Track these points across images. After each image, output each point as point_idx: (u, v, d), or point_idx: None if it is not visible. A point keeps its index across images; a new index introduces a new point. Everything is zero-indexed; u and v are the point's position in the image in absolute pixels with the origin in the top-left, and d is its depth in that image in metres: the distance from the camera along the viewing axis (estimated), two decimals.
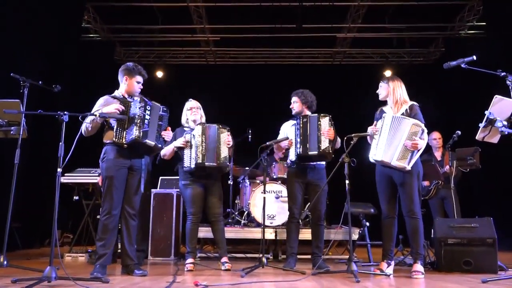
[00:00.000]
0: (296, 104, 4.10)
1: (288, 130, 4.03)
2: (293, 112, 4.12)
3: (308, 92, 4.16)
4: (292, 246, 3.95)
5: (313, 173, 3.96)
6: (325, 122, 3.85)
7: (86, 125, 3.28)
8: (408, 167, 3.41)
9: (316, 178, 3.96)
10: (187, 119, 4.07)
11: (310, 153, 3.79)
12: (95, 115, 3.18)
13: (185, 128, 4.03)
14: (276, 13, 7.48)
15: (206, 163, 3.73)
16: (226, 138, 3.90)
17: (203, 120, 4.11)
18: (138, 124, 3.21)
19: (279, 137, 4.13)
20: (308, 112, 4.08)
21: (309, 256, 4.12)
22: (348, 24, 7.79)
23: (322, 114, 3.88)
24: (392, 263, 3.65)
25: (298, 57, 8.99)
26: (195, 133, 3.83)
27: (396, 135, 3.45)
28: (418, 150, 3.43)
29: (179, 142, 3.84)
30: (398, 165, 3.42)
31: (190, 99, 4.15)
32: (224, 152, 3.87)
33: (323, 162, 4.03)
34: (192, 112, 4.05)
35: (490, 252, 3.64)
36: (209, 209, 3.93)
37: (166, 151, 3.88)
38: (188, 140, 3.83)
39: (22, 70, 3.66)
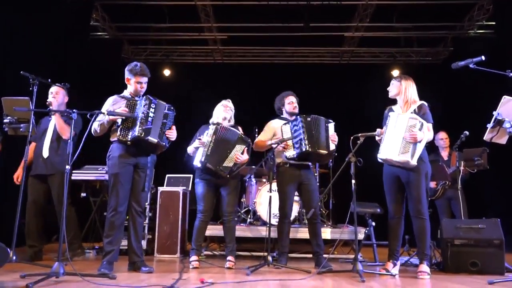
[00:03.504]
0: (296, 105, 4.18)
1: (282, 128, 4.00)
2: (297, 111, 4.15)
3: None
4: (284, 245, 3.99)
5: (305, 173, 4.01)
6: (331, 127, 3.96)
7: (95, 128, 3.33)
8: (412, 162, 3.40)
9: (309, 177, 4.03)
10: (218, 115, 4.07)
11: (320, 151, 3.80)
12: (104, 113, 3.22)
13: (209, 126, 4.01)
14: (284, 12, 7.47)
15: (207, 164, 3.75)
16: (237, 153, 3.86)
17: (232, 121, 4.12)
18: (142, 122, 3.24)
19: (264, 134, 4.17)
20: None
21: (311, 255, 4.13)
22: (356, 23, 7.76)
23: (328, 119, 3.97)
24: (398, 263, 3.64)
25: (305, 56, 8.97)
26: (209, 132, 3.85)
27: (396, 131, 3.47)
28: (420, 143, 3.42)
29: (197, 143, 3.87)
30: (402, 160, 3.41)
31: (228, 99, 4.19)
32: (229, 163, 3.83)
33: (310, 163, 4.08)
34: (225, 108, 4.06)
35: (497, 254, 3.62)
36: (222, 207, 3.96)
37: (190, 150, 3.98)
38: (202, 139, 3.85)
39: (31, 68, 3.69)
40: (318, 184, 5.42)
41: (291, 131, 3.92)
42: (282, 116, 4.23)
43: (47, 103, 3.96)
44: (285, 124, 4.01)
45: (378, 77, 7.87)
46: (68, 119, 3.99)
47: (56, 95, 4.07)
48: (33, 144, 4.15)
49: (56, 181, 3.98)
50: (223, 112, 4.06)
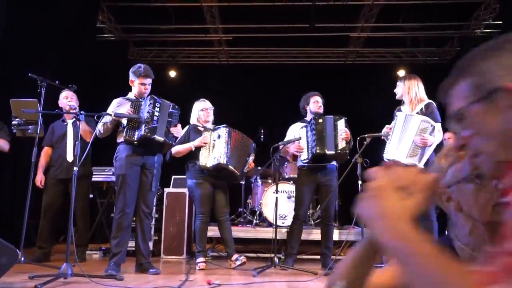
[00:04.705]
0: (321, 105, 4.14)
1: (298, 132, 4.03)
2: (321, 111, 4.11)
3: None
4: (293, 246, 3.99)
5: (324, 174, 3.99)
6: (341, 123, 3.91)
7: (99, 129, 3.35)
8: (420, 165, 3.39)
9: (327, 178, 3.99)
10: (199, 118, 4.09)
11: (328, 152, 3.80)
12: (110, 115, 3.25)
13: (199, 128, 4.05)
14: (289, 12, 7.46)
15: (229, 166, 3.76)
16: (251, 159, 4.01)
17: (212, 119, 4.14)
18: (147, 121, 3.27)
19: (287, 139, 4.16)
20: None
21: (318, 257, 4.13)
22: (361, 24, 7.74)
23: (337, 116, 3.92)
24: None
25: (310, 56, 8.96)
26: (221, 133, 3.84)
27: (406, 132, 3.45)
28: (429, 147, 3.41)
29: (198, 141, 3.85)
30: (409, 163, 3.40)
31: (203, 99, 4.17)
32: (247, 168, 3.97)
33: (334, 162, 4.05)
34: (207, 113, 4.06)
35: None
36: (217, 208, 3.97)
37: (179, 149, 3.91)
38: (207, 138, 3.84)
39: (37, 70, 3.71)
40: None
41: (306, 135, 3.93)
42: (305, 118, 4.22)
43: (69, 108, 3.96)
44: (302, 127, 4.04)
45: (384, 78, 7.84)
46: (91, 122, 4.03)
47: (72, 100, 4.13)
48: (46, 149, 4.21)
49: (81, 184, 4.03)
50: (206, 117, 4.05)
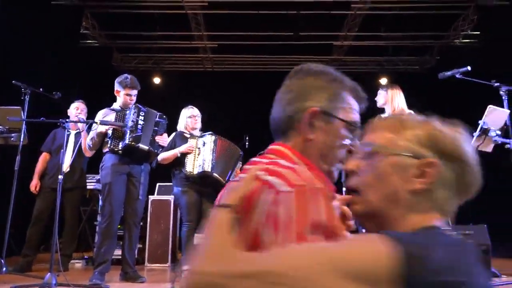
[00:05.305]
0: None
1: None
2: None
3: None
4: None
5: None
6: None
7: (88, 144, 3.35)
8: None
9: None
10: (187, 125, 4.08)
11: None
12: (96, 122, 3.24)
13: (185, 135, 4.05)
14: (274, 21, 7.55)
15: (214, 173, 3.75)
16: (239, 167, 3.96)
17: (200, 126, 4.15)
18: (132, 130, 3.27)
19: None
20: None
21: None
22: (344, 32, 7.88)
23: None
24: None
25: (295, 64, 8.78)
26: (207, 141, 3.84)
27: None
28: None
29: (184, 148, 3.84)
30: None
31: (191, 106, 4.15)
32: (233, 176, 3.93)
33: None
34: (194, 120, 4.06)
35: (484, 259, 3.67)
36: (205, 217, 3.95)
37: (165, 156, 3.87)
38: (193, 146, 3.84)
39: (21, 77, 3.67)
40: None
41: None
42: None
43: (77, 119, 3.92)
44: None
45: (366, 85, 7.92)
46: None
47: (82, 112, 4.12)
48: (44, 154, 4.18)
49: (75, 194, 4.08)
50: (194, 124, 4.04)
